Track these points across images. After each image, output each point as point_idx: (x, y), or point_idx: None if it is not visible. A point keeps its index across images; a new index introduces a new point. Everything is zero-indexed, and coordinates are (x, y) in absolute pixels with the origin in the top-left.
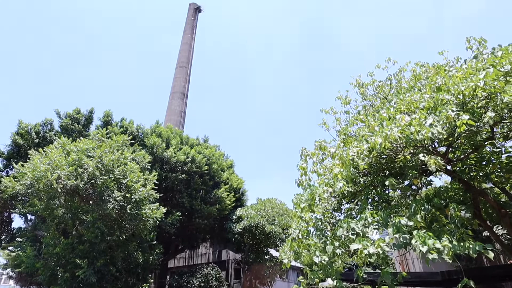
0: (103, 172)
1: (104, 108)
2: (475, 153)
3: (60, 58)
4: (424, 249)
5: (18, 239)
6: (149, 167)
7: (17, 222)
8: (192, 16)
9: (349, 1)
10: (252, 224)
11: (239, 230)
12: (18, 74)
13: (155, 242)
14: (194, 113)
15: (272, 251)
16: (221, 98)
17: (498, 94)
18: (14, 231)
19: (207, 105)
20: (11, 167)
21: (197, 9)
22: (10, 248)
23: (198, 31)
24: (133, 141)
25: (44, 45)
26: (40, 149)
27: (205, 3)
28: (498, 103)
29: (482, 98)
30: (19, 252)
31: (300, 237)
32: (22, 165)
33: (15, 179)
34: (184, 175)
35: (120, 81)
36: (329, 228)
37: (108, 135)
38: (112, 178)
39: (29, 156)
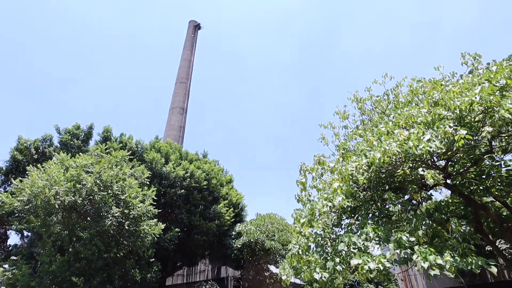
0: (102, 188)
1: (104, 123)
2: (475, 167)
3: (59, 72)
4: (426, 265)
5: (13, 257)
6: (147, 183)
7: (13, 239)
8: (192, 33)
9: (347, 15)
10: (252, 240)
11: (239, 246)
12: (17, 89)
13: (153, 259)
14: (194, 128)
15: (272, 268)
16: (220, 113)
17: (495, 108)
18: (10, 248)
19: (206, 120)
20: (9, 183)
21: (197, 26)
22: (5, 266)
23: (197, 47)
24: (132, 157)
25: (43, 55)
26: (38, 165)
27: (205, 19)
28: (496, 120)
29: (479, 112)
30: (14, 270)
31: (300, 252)
32: (21, 181)
33: (13, 195)
34: (183, 190)
35: (120, 96)
36: (329, 243)
37: (107, 151)
38: (111, 194)
39: (27, 172)
